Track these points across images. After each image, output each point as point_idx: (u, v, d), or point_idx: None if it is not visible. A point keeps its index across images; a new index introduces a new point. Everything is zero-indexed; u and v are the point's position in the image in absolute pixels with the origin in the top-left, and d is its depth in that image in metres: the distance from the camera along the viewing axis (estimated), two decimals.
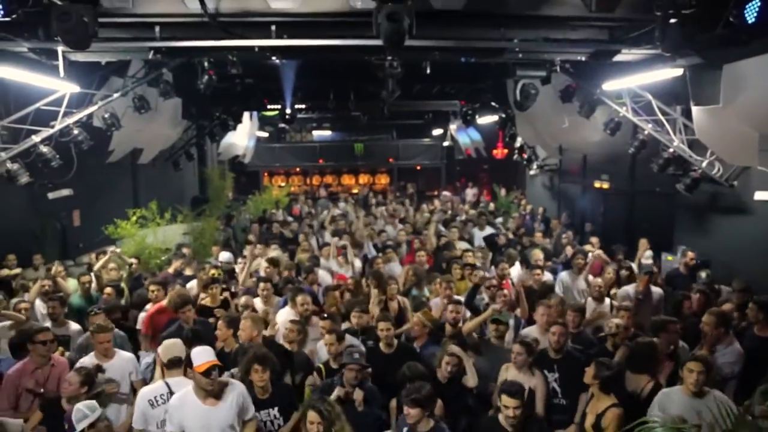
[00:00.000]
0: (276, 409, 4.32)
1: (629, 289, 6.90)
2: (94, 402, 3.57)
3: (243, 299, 6.31)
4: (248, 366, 4.26)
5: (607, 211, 13.22)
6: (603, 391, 4.22)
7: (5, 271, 8.16)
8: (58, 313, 5.88)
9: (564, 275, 7.76)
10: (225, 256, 8.78)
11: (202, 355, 3.80)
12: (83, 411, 3.49)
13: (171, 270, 8.13)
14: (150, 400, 4.10)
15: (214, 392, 3.84)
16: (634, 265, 8.03)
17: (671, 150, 8.30)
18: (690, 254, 8.04)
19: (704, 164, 8.11)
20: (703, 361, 4.18)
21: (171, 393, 4.09)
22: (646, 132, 8.54)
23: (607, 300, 6.78)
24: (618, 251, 9.14)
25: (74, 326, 5.95)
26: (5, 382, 4.49)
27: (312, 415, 3.60)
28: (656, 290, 6.89)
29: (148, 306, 6.39)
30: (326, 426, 3.58)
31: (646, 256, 9.49)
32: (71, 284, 7.61)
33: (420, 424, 3.85)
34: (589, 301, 6.74)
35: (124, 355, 4.98)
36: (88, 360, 4.73)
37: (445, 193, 18.58)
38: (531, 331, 5.52)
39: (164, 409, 4.02)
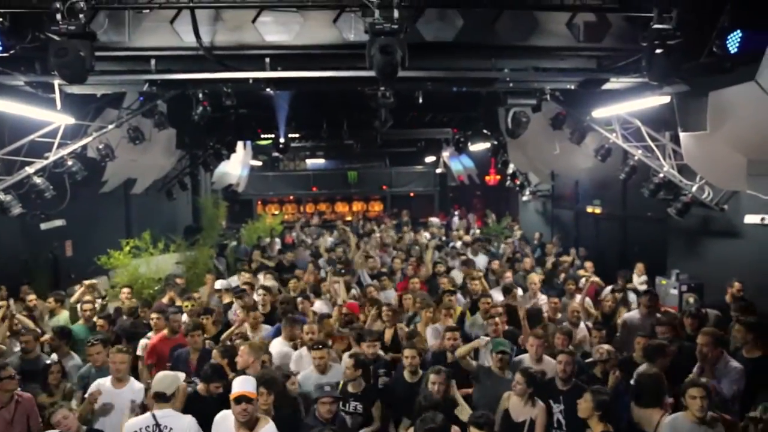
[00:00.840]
0: None
1: (634, 314, 6.82)
2: None
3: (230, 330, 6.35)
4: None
5: (600, 235, 13.31)
6: (602, 421, 4.15)
7: None
8: (31, 347, 5.79)
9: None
10: (221, 283, 8.76)
11: (238, 384, 3.96)
12: None
13: (165, 300, 8.06)
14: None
15: (247, 425, 3.90)
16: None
17: (661, 175, 8.40)
18: (737, 284, 7.24)
19: (694, 188, 8.22)
20: (703, 386, 4.16)
21: (157, 425, 4.07)
22: (636, 158, 8.66)
23: (582, 325, 6.72)
24: (619, 276, 9.13)
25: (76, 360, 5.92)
26: None
27: None
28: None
29: (150, 334, 6.36)
30: None
31: (640, 281, 9.56)
32: (64, 315, 7.52)
33: None
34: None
35: (135, 385, 4.94)
36: (105, 383, 4.78)
37: (434, 219, 18.64)
38: (524, 359, 5.46)
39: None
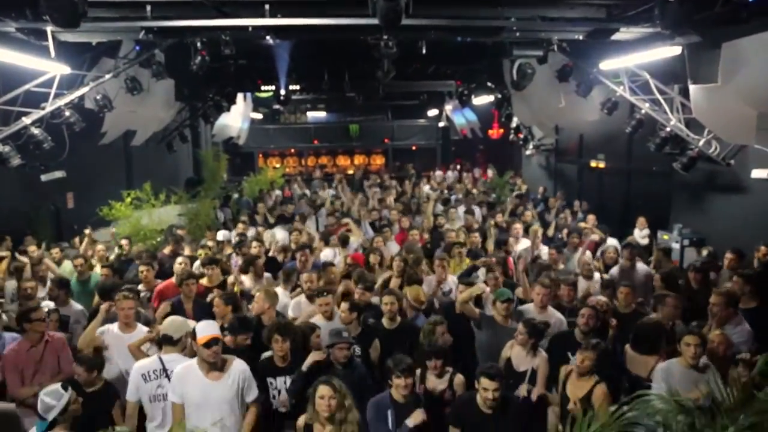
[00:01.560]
0: (290, 378, 4.38)
1: (616, 269, 6.94)
2: (57, 387, 3.45)
3: (231, 277, 6.44)
4: (270, 335, 4.38)
5: (603, 190, 13.26)
6: (590, 373, 4.23)
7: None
8: (33, 294, 5.97)
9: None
10: (221, 234, 8.80)
11: (206, 329, 3.89)
12: (47, 402, 3.36)
13: (166, 251, 8.11)
14: (143, 374, 4.15)
15: (216, 366, 3.90)
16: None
17: (668, 129, 8.27)
18: (763, 249, 6.94)
19: (701, 143, 8.10)
20: (699, 335, 4.23)
21: (164, 369, 4.14)
22: (643, 111, 8.50)
23: (597, 276, 6.80)
24: (604, 230, 9.17)
25: (77, 306, 6.02)
26: (6, 364, 4.51)
27: (323, 389, 3.59)
28: (642, 267, 6.91)
29: (141, 287, 6.40)
30: (339, 400, 3.58)
31: (642, 234, 9.57)
32: (66, 267, 7.59)
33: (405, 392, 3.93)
34: (580, 280, 6.74)
35: (143, 330, 5.01)
36: (113, 329, 4.85)
37: (439, 173, 18.57)
38: (528, 309, 5.51)
39: (156, 384, 4.13)
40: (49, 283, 6.41)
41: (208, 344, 3.81)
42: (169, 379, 4.12)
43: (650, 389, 4.16)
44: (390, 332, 5.14)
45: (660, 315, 5.17)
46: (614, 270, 6.96)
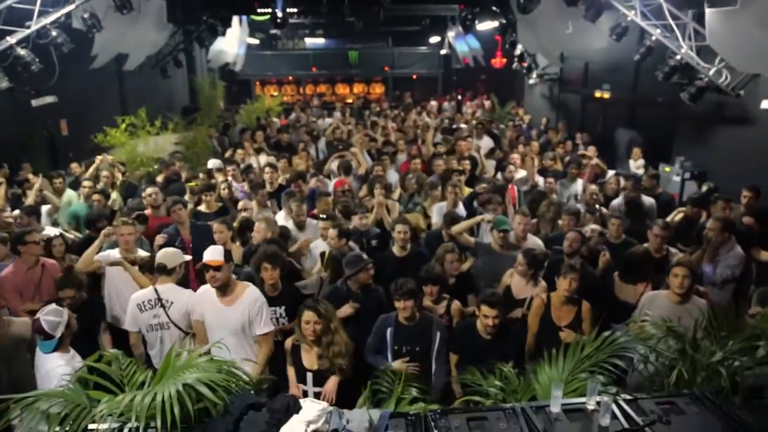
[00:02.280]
0: (283, 308, 4.44)
1: (618, 200, 6.89)
2: (53, 306, 3.53)
3: (241, 203, 6.35)
4: (258, 264, 4.34)
5: (606, 121, 13.02)
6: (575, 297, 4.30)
7: None
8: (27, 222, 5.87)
9: (560, 182, 7.73)
10: (213, 162, 8.72)
11: (207, 254, 3.93)
12: (52, 320, 3.44)
13: (159, 179, 8.03)
14: (138, 305, 4.21)
15: (226, 291, 3.95)
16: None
17: (678, 57, 7.99)
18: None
19: (711, 72, 7.85)
20: (688, 266, 4.23)
21: (159, 299, 4.19)
22: (653, 38, 8.18)
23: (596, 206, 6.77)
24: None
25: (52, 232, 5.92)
26: (5, 285, 4.56)
27: (308, 314, 3.65)
28: (647, 199, 6.86)
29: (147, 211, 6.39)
30: (324, 324, 3.65)
31: (637, 165, 9.49)
32: (68, 195, 7.54)
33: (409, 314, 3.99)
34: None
35: (143, 255, 5.06)
36: (114, 254, 4.88)
37: (433, 102, 18.24)
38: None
39: (152, 314, 4.19)
40: (17, 212, 6.22)
41: (205, 268, 3.87)
42: (164, 309, 4.19)
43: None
44: (401, 260, 5.15)
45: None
46: (618, 201, 6.91)
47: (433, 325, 4.04)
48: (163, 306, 4.18)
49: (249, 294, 4.00)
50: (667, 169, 9.50)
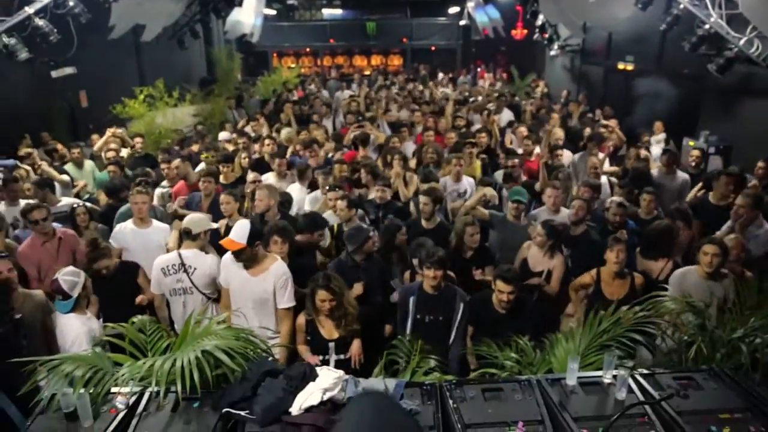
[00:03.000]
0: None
1: (654, 172, 6.71)
2: (71, 268, 3.64)
3: (251, 175, 6.38)
4: (268, 237, 4.33)
5: (629, 94, 12.71)
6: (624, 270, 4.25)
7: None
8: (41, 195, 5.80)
9: (575, 156, 7.61)
10: (223, 135, 8.74)
11: (232, 233, 3.89)
12: (70, 280, 3.56)
13: (194, 149, 8.09)
14: (163, 269, 4.26)
15: (254, 264, 3.94)
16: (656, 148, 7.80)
17: (707, 26, 7.71)
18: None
19: (742, 42, 7.56)
20: (719, 244, 4.15)
21: (182, 264, 4.23)
22: (681, 6, 7.90)
23: (604, 178, 6.65)
24: (644, 135, 8.85)
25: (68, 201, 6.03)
26: (21, 258, 4.61)
27: (322, 294, 3.67)
28: (681, 174, 6.71)
29: (164, 183, 6.49)
30: (337, 300, 3.67)
31: (657, 139, 9.27)
32: (88, 165, 7.63)
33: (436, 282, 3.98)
34: None
35: (159, 225, 5.12)
36: (128, 225, 4.95)
37: (441, 75, 18.03)
38: (541, 212, 5.48)
39: (176, 278, 4.23)
40: (28, 185, 6.17)
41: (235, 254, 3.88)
42: (187, 274, 4.23)
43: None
44: (427, 231, 5.13)
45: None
46: (651, 173, 6.72)
47: (457, 296, 4.03)
48: (186, 271, 4.23)
49: (276, 267, 3.99)
50: (691, 143, 9.27)
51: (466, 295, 4.15)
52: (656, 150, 8.49)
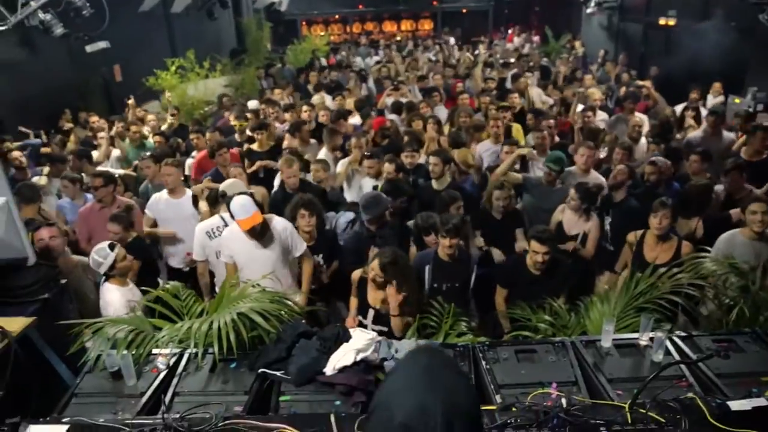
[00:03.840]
0: (320, 256, 4.43)
1: (697, 134, 6.49)
2: (104, 246, 3.67)
3: (286, 142, 6.42)
4: (294, 212, 4.30)
5: (670, 52, 12.14)
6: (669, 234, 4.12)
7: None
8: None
9: (612, 118, 7.36)
10: (252, 104, 8.76)
11: (240, 212, 3.77)
12: (96, 259, 3.64)
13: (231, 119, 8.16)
14: (207, 232, 4.32)
15: (264, 234, 3.93)
16: (703, 110, 7.47)
17: None
18: None
19: None
20: (766, 202, 3.98)
21: (226, 225, 4.27)
22: None
23: (643, 140, 6.43)
24: (694, 91, 8.49)
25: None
26: (79, 219, 4.88)
27: (375, 264, 3.51)
28: (727, 135, 6.43)
29: (194, 153, 6.57)
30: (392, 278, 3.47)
31: (716, 102, 8.86)
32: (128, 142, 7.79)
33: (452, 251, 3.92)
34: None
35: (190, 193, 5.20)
36: (162, 195, 5.05)
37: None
38: (572, 171, 5.32)
39: (221, 241, 4.22)
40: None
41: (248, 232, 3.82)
42: None
43: None
44: (437, 192, 5.06)
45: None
46: (696, 134, 6.53)
47: (471, 261, 4.01)
48: None
49: (277, 224, 3.97)
50: (737, 100, 8.83)
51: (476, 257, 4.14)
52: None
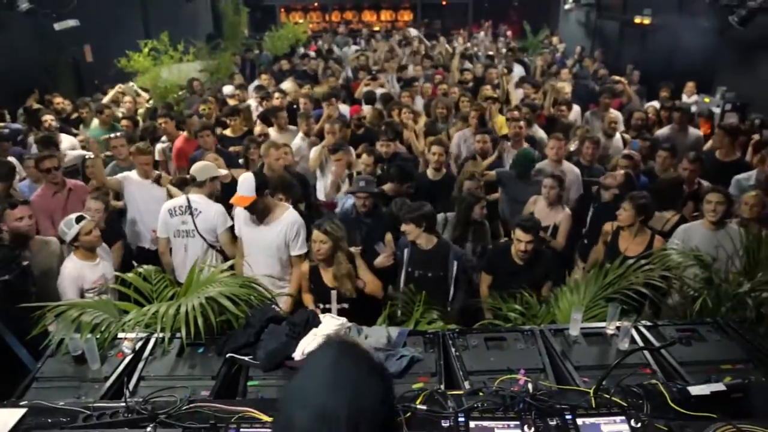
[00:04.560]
0: None
1: (665, 131, 6.63)
2: (71, 218, 3.72)
3: (258, 128, 6.34)
4: (273, 193, 4.28)
5: (646, 50, 12.34)
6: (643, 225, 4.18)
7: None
8: None
9: (588, 113, 7.45)
10: (227, 89, 8.63)
11: (239, 188, 3.83)
12: (62, 228, 3.71)
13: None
14: (170, 210, 4.34)
15: (265, 215, 3.94)
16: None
17: None
18: None
19: None
20: (722, 192, 4.13)
21: (189, 207, 4.30)
22: None
23: (618, 136, 6.57)
24: (663, 89, 8.64)
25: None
26: (35, 209, 4.57)
27: (315, 234, 3.63)
28: (693, 132, 6.59)
29: (164, 138, 6.45)
30: (331, 245, 3.61)
31: (690, 102, 9.03)
32: (95, 122, 7.60)
33: (420, 240, 3.96)
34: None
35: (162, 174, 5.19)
36: (132, 175, 5.04)
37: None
38: (545, 165, 5.39)
39: (181, 220, 4.29)
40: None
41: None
42: (192, 216, 4.26)
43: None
44: (434, 183, 5.08)
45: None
46: (663, 131, 6.66)
47: (450, 253, 3.99)
48: (191, 214, 4.28)
49: (288, 215, 3.99)
50: (707, 99, 9.03)
51: (462, 252, 4.14)
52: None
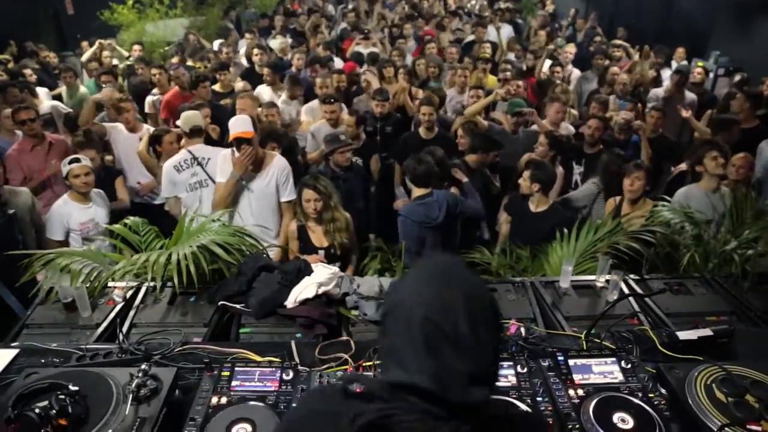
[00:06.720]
0: None
1: (659, 91, 6.61)
2: (71, 157, 3.81)
3: (240, 84, 6.27)
4: (263, 144, 4.24)
5: (640, 13, 12.19)
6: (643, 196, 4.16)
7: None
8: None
9: (585, 73, 7.40)
10: (216, 44, 8.49)
11: (233, 126, 3.73)
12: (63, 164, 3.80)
13: (174, 61, 7.84)
14: (175, 166, 4.10)
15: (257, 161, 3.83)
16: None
17: None
18: None
19: None
20: (724, 149, 4.15)
21: (194, 158, 4.12)
22: None
23: (612, 97, 6.49)
24: (657, 52, 8.57)
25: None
26: (8, 161, 4.48)
27: (308, 193, 3.59)
28: (690, 95, 6.55)
29: (155, 91, 6.30)
30: (324, 201, 3.60)
31: (680, 65, 8.96)
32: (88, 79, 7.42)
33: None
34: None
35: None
36: (119, 126, 5.00)
37: None
38: (543, 124, 5.37)
39: (190, 173, 4.09)
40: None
41: (238, 143, 3.70)
42: (201, 166, 4.10)
43: None
44: (427, 142, 5.04)
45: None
46: (658, 92, 6.64)
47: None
48: (200, 164, 4.12)
49: (277, 162, 3.90)
50: (700, 64, 8.96)
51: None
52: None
